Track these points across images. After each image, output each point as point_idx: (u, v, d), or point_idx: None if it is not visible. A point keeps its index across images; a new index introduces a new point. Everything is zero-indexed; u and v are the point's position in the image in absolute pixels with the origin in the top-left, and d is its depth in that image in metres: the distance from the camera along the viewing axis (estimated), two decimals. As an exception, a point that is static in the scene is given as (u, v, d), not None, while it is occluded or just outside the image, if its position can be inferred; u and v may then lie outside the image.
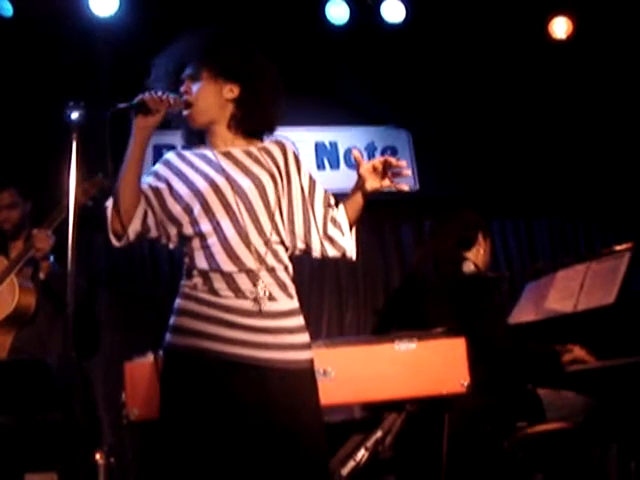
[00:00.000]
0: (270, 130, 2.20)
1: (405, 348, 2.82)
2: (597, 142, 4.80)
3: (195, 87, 2.10)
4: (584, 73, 4.74)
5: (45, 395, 2.87)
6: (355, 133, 4.80)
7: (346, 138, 4.76)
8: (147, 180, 2.10)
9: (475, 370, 2.83)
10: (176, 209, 2.06)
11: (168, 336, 2.02)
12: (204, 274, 2.00)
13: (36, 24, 4.06)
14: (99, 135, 1.96)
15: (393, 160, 2.10)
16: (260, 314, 1.98)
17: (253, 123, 2.14)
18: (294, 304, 2.06)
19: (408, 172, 2.14)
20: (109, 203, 2.06)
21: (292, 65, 3.04)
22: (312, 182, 2.19)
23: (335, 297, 4.61)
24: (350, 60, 4.58)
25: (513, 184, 4.79)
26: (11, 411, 2.90)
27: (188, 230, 2.05)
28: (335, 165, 4.72)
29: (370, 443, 2.88)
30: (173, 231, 2.09)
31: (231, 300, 1.98)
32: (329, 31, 4.48)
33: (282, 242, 2.08)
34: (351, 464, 2.84)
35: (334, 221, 2.17)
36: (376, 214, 4.52)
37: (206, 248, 2.01)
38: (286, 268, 2.07)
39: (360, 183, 2.14)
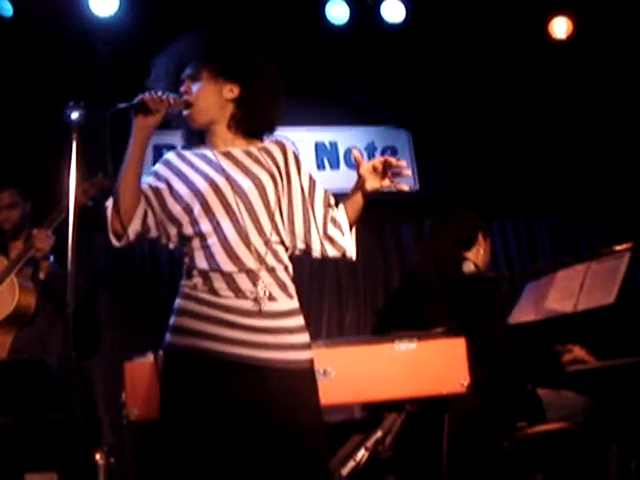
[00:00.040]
0: (270, 130, 2.19)
1: (405, 348, 2.82)
2: (597, 142, 4.80)
3: (195, 87, 2.10)
4: (584, 73, 4.74)
5: (45, 395, 2.87)
6: (355, 133, 4.80)
7: (346, 138, 4.76)
8: (147, 180, 2.10)
9: (475, 370, 2.82)
10: (176, 209, 2.06)
11: (168, 336, 2.02)
12: (204, 274, 2.00)
13: (36, 24, 4.06)
14: (99, 135, 1.95)
15: (393, 160, 2.10)
16: (260, 314, 1.98)
17: (253, 123, 2.14)
18: (294, 304, 2.06)
19: (408, 172, 2.14)
20: (109, 203, 2.06)
21: (292, 65, 3.04)
22: (312, 182, 2.19)
23: (335, 297, 4.61)
24: (350, 60, 4.58)
25: (513, 184, 4.79)
26: (11, 411, 2.90)
27: (188, 230, 2.05)
28: (335, 165, 4.72)
29: (370, 443, 2.88)
30: (173, 231, 2.09)
31: (231, 300, 1.98)
32: (329, 31, 4.48)
33: (282, 242, 2.08)
34: (351, 464, 2.84)
35: (334, 221, 2.17)
36: (376, 214, 4.52)
37: (206, 248, 2.01)
38: (286, 268, 2.07)
39: (360, 183, 2.14)
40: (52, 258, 3.12)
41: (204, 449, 1.90)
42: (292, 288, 2.07)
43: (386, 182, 2.12)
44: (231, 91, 2.11)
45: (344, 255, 2.18)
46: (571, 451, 2.97)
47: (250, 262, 1.99)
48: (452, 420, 2.87)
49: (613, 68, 4.67)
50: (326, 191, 2.21)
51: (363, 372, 2.77)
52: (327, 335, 4.41)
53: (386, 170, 2.11)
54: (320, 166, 4.69)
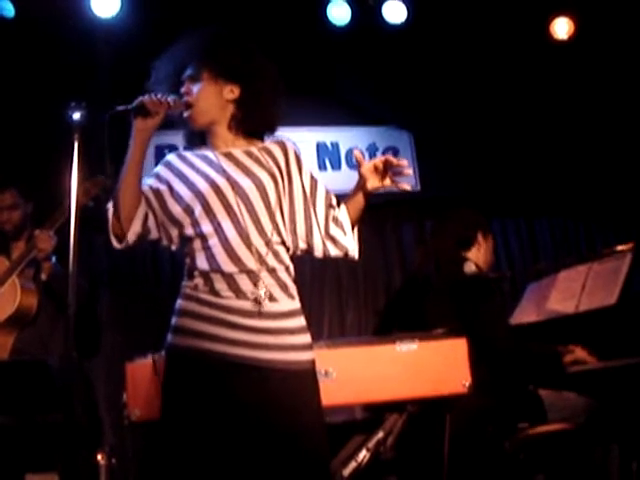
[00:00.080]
0: (271, 130, 2.19)
1: (406, 349, 2.81)
2: (598, 142, 4.80)
3: (195, 88, 2.10)
4: (585, 73, 4.74)
5: (46, 396, 2.87)
6: (357, 134, 4.80)
7: (348, 138, 4.77)
8: (148, 182, 2.10)
9: (476, 371, 2.82)
10: (177, 210, 2.06)
11: (170, 337, 2.02)
12: (205, 275, 2.00)
13: (37, 25, 4.06)
14: (99, 137, 1.96)
15: (394, 160, 2.10)
16: (261, 315, 1.98)
17: (253, 123, 2.14)
18: (295, 305, 2.06)
19: (409, 172, 2.14)
20: (110, 205, 2.06)
21: (294, 65, 3.05)
22: (314, 182, 2.19)
23: (336, 298, 4.62)
24: (351, 60, 4.59)
25: (514, 184, 4.80)
26: (12, 411, 2.89)
27: (189, 231, 2.05)
28: (337, 166, 4.73)
29: (371, 444, 2.87)
30: (174, 232, 2.08)
31: (232, 301, 1.98)
32: (330, 32, 4.48)
33: (283, 242, 2.08)
34: (352, 465, 2.84)
35: (336, 220, 2.17)
36: (377, 214, 4.53)
37: (207, 249, 2.01)
38: (287, 269, 2.07)
39: (361, 183, 2.14)
40: (54, 259, 3.12)
41: (205, 450, 1.90)
42: (293, 289, 2.07)
43: (387, 182, 2.13)
44: (231, 92, 2.11)
45: (346, 255, 2.18)
46: (573, 452, 2.97)
47: (251, 263, 1.99)
48: (453, 421, 2.87)
49: (614, 68, 4.67)
50: (328, 191, 2.21)
51: (364, 373, 2.77)
52: (328, 336, 4.41)
53: (387, 170, 2.12)
54: (322, 167, 4.70)
